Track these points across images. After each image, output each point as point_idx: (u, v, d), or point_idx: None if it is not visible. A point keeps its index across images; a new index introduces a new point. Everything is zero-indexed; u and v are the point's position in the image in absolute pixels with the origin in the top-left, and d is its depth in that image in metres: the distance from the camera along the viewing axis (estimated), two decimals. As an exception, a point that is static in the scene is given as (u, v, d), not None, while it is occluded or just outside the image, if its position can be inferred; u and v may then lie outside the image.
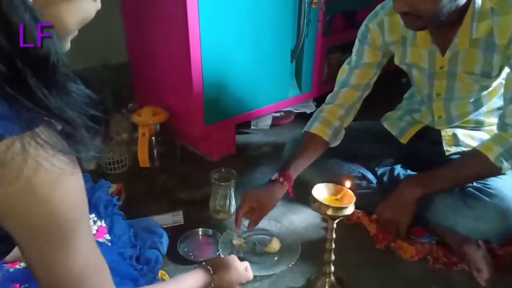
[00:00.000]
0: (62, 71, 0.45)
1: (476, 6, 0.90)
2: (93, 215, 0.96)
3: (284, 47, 1.57)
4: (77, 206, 0.48)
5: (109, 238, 0.93)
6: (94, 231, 0.92)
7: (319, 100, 1.87)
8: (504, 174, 0.96)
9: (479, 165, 0.95)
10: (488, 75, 0.98)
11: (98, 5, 0.53)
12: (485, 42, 0.93)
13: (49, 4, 0.47)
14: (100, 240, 0.91)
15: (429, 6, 0.83)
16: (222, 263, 0.84)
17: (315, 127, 1.12)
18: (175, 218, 1.16)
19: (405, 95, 1.27)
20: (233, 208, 1.18)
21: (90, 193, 1.01)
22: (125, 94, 1.72)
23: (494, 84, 1.02)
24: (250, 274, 0.87)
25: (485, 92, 1.04)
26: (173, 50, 1.40)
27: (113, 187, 1.21)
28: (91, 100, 0.48)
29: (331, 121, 1.13)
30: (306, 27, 1.58)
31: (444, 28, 0.94)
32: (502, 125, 0.95)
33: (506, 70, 0.96)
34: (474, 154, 0.96)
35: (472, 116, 1.09)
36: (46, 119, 0.43)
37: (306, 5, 1.52)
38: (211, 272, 0.80)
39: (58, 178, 0.44)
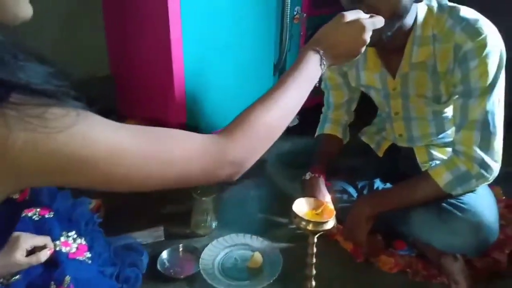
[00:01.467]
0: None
1: (417, 32, 0.92)
2: (74, 232, 0.94)
3: (267, 61, 1.59)
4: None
5: (90, 255, 0.92)
6: (74, 249, 0.90)
7: (302, 114, 1.88)
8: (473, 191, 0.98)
9: (429, 189, 0.96)
10: (438, 100, 0.99)
11: None
12: (431, 67, 0.95)
13: None
14: (81, 258, 0.89)
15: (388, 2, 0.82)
16: (329, 26, 0.69)
17: (327, 128, 1.20)
18: (156, 234, 1.15)
19: (378, 111, 1.29)
20: (214, 224, 1.17)
21: (71, 210, 1.00)
22: (108, 108, 1.71)
23: (448, 110, 1.03)
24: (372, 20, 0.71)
25: (445, 118, 1.05)
26: (155, 63, 1.40)
27: (92, 203, 1.19)
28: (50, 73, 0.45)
29: (338, 121, 1.21)
30: (289, 42, 1.61)
31: (391, 52, 0.97)
32: (454, 150, 0.97)
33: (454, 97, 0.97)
34: (425, 178, 0.97)
35: (437, 139, 1.10)
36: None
37: (288, 20, 1.55)
38: (318, 43, 0.66)
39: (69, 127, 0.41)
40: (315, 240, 0.89)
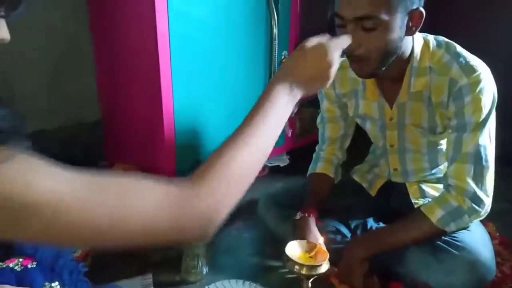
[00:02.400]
0: None
1: (415, 62, 0.95)
2: (57, 283, 0.90)
3: (257, 99, 1.62)
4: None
5: (73, 306, 0.87)
6: (57, 301, 0.86)
7: (293, 154, 1.90)
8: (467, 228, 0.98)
9: (422, 226, 0.96)
10: (434, 131, 1.01)
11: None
12: (427, 98, 0.98)
13: None
14: (64, 308, 0.85)
15: (375, 43, 0.86)
16: (293, 56, 0.66)
17: (320, 167, 1.19)
18: (144, 282, 1.10)
19: (370, 149, 1.31)
20: (205, 269, 1.13)
21: (54, 259, 0.96)
22: (97, 152, 1.70)
23: (443, 143, 1.05)
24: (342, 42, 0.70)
25: (439, 151, 1.07)
26: (145, 107, 1.41)
27: (79, 251, 1.15)
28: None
29: (330, 160, 1.21)
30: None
31: (390, 81, 1.00)
32: (446, 185, 0.98)
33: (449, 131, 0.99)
34: (418, 216, 0.97)
35: (430, 174, 1.11)
36: None
37: (276, 64, 1.59)
38: (285, 74, 0.63)
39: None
40: (310, 285, 0.86)
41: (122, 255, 1.24)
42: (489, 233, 1.09)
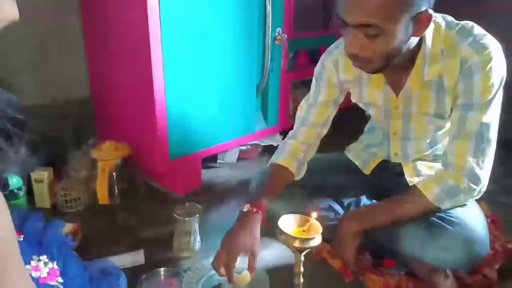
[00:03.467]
0: None
1: (427, 48, 0.91)
2: (45, 256, 0.88)
3: (249, 81, 1.59)
4: (6, 239, 0.41)
5: (62, 281, 0.86)
6: (45, 274, 0.84)
7: (285, 134, 1.87)
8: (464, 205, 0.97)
9: (417, 203, 0.95)
10: (442, 116, 0.99)
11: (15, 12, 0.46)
12: (437, 84, 0.95)
13: None
14: (52, 283, 0.83)
15: (378, 48, 0.83)
16: None
17: (281, 158, 1.12)
18: (135, 258, 1.09)
19: (366, 128, 1.29)
20: (197, 245, 1.13)
21: (42, 233, 0.94)
22: (87, 130, 1.67)
23: (448, 124, 1.03)
24: None
25: (440, 132, 1.06)
26: (136, 84, 1.38)
27: (69, 227, 1.13)
28: (10, 103, 0.42)
29: (295, 154, 1.12)
30: (271, 63, 1.62)
31: (397, 70, 0.96)
32: (444, 163, 0.96)
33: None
34: (413, 193, 0.96)
35: (428, 152, 1.11)
36: None
37: (270, 41, 1.56)
38: None
39: None
40: (302, 258, 0.86)
41: (113, 231, 1.24)
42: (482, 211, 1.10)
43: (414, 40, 0.89)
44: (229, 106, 1.53)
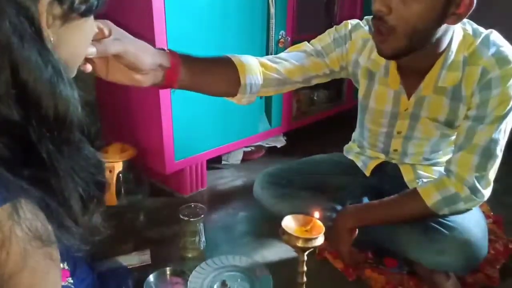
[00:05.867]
0: (76, 132, 0.40)
1: (450, 53, 0.89)
2: (55, 257, 0.91)
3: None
4: None
5: (72, 281, 0.88)
6: (57, 274, 0.87)
7: (289, 135, 1.90)
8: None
9: (415, 207, 0.95)
10: (451, 125, 0.98)
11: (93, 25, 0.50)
12: (452, 92, 0.93)
13: (64, 41, 0.43)
14: (63, 283, 0.86)
15: (407, 14, 0.78)
16: None
17: (240, 59, 0.89)
18: (142, 257, 1.11)
19: (354, 137, 1.24)
20: (202, 245, 1.15)
21: (51, 234, 0.97)
22: (93, 132, 1.69)
23: (454, 135, 1.01)
24: None
25: (445, 140, 1.04)
26: (141, 90, 1.40)
27: (77, 227, 1.16)
28: (98, 164, 0.44)
29: (255, 70, 0.90)
30: (274, 64, 1.63)
31: (413, 72, 0.94)
32: (447, 170, 0.96)
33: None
34: (413, 196, 0.96)
35: (427, 160, 1.09)
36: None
37: (273, 44, 1.58)
38: None
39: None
40: (305, 257, 0.87)
41: (119, 232, 1.27)
42: (484, 212, 1.10)
43: (444, 34, 0.85)
44: (233, 108, 1.54)
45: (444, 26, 0.83)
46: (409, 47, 0.83)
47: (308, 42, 1.05)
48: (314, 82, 1.04)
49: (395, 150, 1.11)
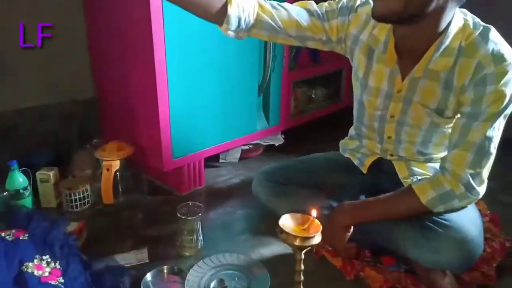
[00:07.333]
0: None
1: (446, 38, 0.89)
2: (47, 256, 0.91)
3: (251, 81, 1.61)
4: None
5: (63, 281, 0.88)
6: (47, 273, 0.87)
7: (287, 133, 1.90)
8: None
9: (411, 204, 0.96)
10: (441, 113, 0.98)
11: None
12: (445, 80, 0.93)
13: None
14: (53, 282, 0.86)
15: None
16: None
17: None
18: (139, 256, 1.11)
19: (351, 132, 1.24)
20: (200, 243, 1.15)
21: (46, 232, 0.96)
22: (92, 130, 1.69)
23: (447, 127, 1.02)
24: None
25: (437, 131, 1.03)
26: (139, 84, 1.39)
27: (74, 226, 1.16)
28: None
29: (248, 7, 0.94)
30: (272, 62, 1.63)
31: (410, 54, 0.95)
32: (442, 167, 0.96)
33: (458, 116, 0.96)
34: (408, 193, 0.97)
35: (420, 154, 1.08)
36: None
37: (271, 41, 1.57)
38: None
39: None
40: (303, 256, 0.87)
41: (117, 230, 1.27)
42: (480, 210, 1.11)
43: (442, 14, 0.85)
44: (231, 106, 1.55)
45: (441, 1, 0.82)
46: (403, 13, 0.83)
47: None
48: (309, 44, 1.06)
49: (389, 137, 1.09)
